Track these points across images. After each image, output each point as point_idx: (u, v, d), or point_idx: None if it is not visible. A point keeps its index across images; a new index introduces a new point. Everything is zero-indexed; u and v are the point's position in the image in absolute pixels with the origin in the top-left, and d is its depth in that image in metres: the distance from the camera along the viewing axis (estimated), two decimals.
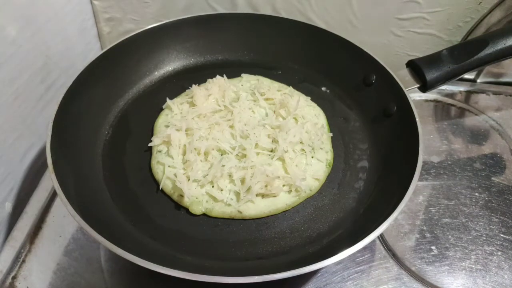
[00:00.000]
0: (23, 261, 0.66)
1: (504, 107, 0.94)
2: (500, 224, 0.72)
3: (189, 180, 0.65)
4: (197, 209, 0.64)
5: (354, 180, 0.70)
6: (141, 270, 0.49)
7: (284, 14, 0.95)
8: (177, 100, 0.79)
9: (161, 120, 0.76)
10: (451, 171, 0.80)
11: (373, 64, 0.77)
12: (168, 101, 0.78)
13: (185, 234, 0.62)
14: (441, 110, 0.93)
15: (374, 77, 0.78)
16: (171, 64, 0.87)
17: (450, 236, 0.71)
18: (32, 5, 0.77)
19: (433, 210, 0.74)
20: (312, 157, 0.71)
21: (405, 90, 0.71)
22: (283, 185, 0.66)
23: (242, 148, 0.68)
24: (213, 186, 0.65)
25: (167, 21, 0.84)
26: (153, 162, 0.69)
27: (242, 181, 0.65)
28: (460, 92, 0.97)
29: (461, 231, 0.71)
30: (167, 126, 0.74)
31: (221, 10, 0.96)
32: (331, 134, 0.75)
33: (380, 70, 0.76)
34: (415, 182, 0.58)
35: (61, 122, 0.64)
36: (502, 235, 0.71)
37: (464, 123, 0.90)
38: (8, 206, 0.75)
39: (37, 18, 0.79)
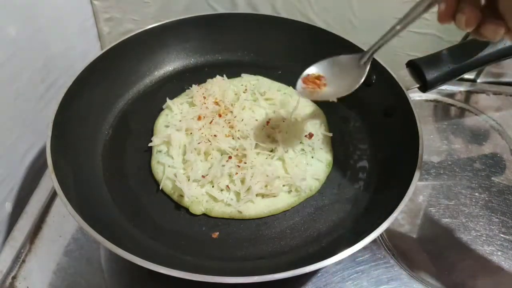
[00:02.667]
0: (23, 261, 0.66)
1: (504, 107, 0.94)
2: (500, 224, 0.72)
3: (189, 180, 0.65)
4: (197, 209, 0.64)
5: (354, 180, 0.70)
6: (141, 270, 0.49)
7: (284, 14, 0.95)
8: (177, 100, 0.79)
9: (161, 120, 0.76)
10: (451, 171, 0.80)
11: (373, 64, 0.77)
12: (168, 101, 0.78)
13: (185, 234, 0.62)
14: (441, 110, 0.93)
15: (374, 77, 0.78)
16: (171, 64, 0.87)
17: (450, 236, 0.71)
18: (32, 5, 0.77)
19: (433, 210, 0.74)
20: (312, 157, 0.71)
21: (405, 90, 0.71)
22: (283, 185, 0.66)
23: (242, 148, 0.68)
24: (213, 186, 0.65)
25: (167, 21, 0.84)
26: (153, 162, 0.69)
27: (242, 181, 0.65)
28: (460, 92, 0.97)
29: (461, 231, 0.71)
30: (167, 126, 0.74)
31: (221, 10, 0.96)
32: (331, 134, 0.75)
33: (380, 70, 0.76)
34: (415, 182, 0.58)
35: (61, 122, 0.64)
36: (502, 235, 0.71)
37: (464, 123, 0.90)
38: (8, 206, 0.75)
39: (37, 18, 0.79)
